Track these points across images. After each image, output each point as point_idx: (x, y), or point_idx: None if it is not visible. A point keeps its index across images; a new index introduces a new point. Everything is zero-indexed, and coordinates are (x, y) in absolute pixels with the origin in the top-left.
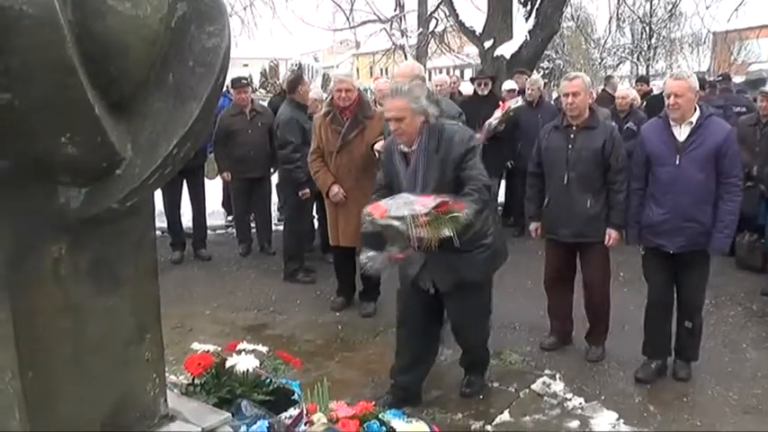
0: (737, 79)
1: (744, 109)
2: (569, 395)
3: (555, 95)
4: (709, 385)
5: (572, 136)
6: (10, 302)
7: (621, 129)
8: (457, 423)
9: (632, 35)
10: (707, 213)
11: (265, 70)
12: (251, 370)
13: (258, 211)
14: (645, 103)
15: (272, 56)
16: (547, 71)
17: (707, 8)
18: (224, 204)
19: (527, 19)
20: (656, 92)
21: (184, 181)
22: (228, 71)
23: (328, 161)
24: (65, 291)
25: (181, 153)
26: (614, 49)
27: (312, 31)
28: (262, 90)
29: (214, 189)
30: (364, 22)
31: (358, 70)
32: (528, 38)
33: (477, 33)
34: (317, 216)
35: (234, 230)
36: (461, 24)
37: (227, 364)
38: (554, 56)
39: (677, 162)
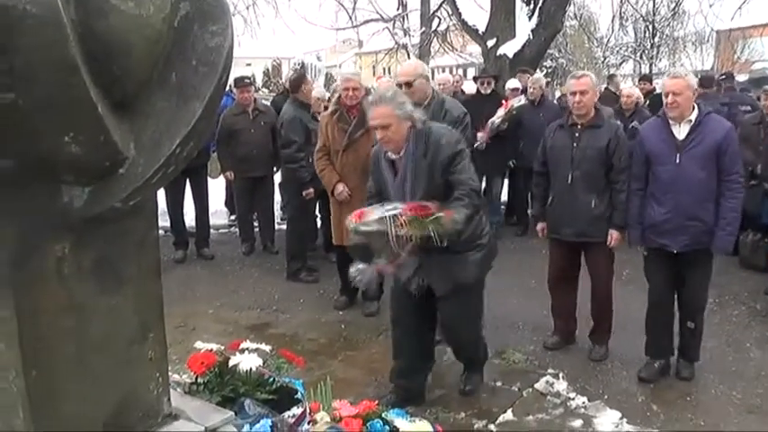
0: (741, 78)
1: (749, 107)
2: (572, 394)
3: (558, 94)
4: (712, 385)
5: (577, 135)
6: (14, 301)
7: (626, 128)
8: (460, 422)
9: (635, 34)
10: (709, 211)
11: (268, 69)
12: (254, 369)
13: (261, 211)
14: (648, 102)
15: (274, 55)
16: (550, 70)
17: (710, 6)
18: (227, 203)
19: (530, 18)
20: (659, 90)
21: (187, 180)
22: (231, 70)
23: (334, 159)
24: (68, 290)
25: (184, 152)
26: (617, 48)
27: (315, 30)
28: (265, 89)
29: (217, 188)
30: (367, 21)
31: (360, 69)
32: (531, 37)
33: (480, 32)
34: (319, 215)
35: (237, 229)
36: (464, 23)
37: (231, 363)
38: (557, 55)
39: (677, 161)
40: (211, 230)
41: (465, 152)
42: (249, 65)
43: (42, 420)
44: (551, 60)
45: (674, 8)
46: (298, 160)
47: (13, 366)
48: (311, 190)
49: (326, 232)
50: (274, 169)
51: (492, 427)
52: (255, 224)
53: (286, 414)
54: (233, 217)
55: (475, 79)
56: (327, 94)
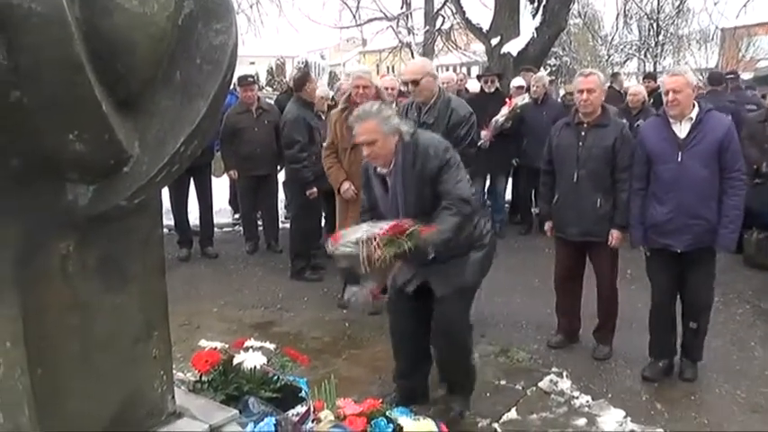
0: (746, 76)
1: (754, 106)
2: (576, 393)
3: (562, 92)
4: (716, 384)
5: (583, 133)
6: (19, 300)
7: (632, 126)
8: (464, 421)
9: (639, 32)
10: (712, 210)
11: (272, 68)
12: (258, 367)
13: (265, 209)
14: (651, 101)
15: (278, 54)
16: (554, 68)
17: (715, 4)
18: (231, 202)
19: (534, 16)
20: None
21: (191, 179)
22: (236, 69)
23: (342, 157)
24: (73, 288)
25: (188, 151)
26: (621, 46)
27: (318, 28)
28: (268, 88)
29: (221, 187)
30: (371, 20)
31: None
32: (535, 35)
33: (483, 31)
34: (324, 213)
35: (241, 228)
36: (468, 22)
37: (235, 362)
38: (561, 53)
39: (679, 159)
40: (215, 229)
41: (453, 160)
42: (253, 63)
43: (47, 418)
44: (555, 59)
45: (679, 6)
46: (300, 160)
47: (19, 364)
48: (315, 189)
49: (330, 231)
50: (278, 168)
51: (496, 425)
52: (259, 223)
53: (290, 412)
54: (237, 215)
55: (479, 78)
56: (331, 93)
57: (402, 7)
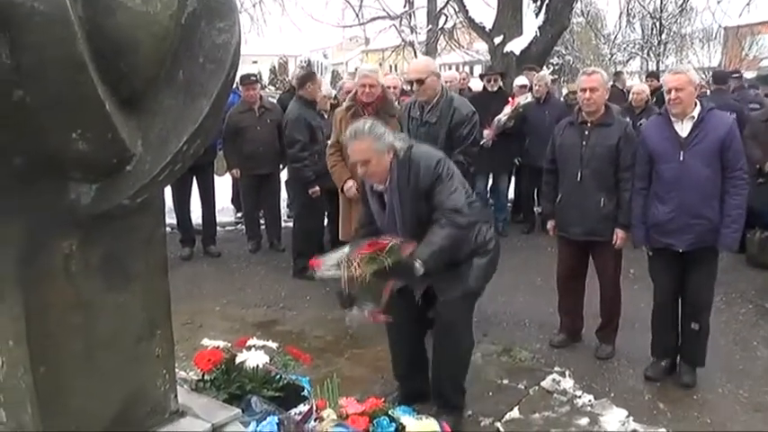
0: (748, 75)
1: (757, 105)
2: (579, 392)
3: (565, 92)
4: (719, 383)
5: (586, 132)
6: (22, 298)
7: (635, 125)
8: (466, 420)
9: (642, 30)
10: (714, 209)
11: (274, 67)
12: (261, 366)
13: (267, 208)
14: (654, 99)
15: (281, 53)
16: (556, 67)
17: (718, 3)
18: (233, 201)
19: (537, 15)
20: None
21: (194, 178)
22: (239, 68)
23: (346, 156)
24: (76, 287)
25: (191, 150)
26: (624, 45)
27: (321, 27)
28: (271, 87)
29: (223, 186)
30: (374, 19)
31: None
32: (538, 34)
33: (486, 29)
34: (327, 212)
35: (243, 227)
36: (471, 20)
37: (237, 360)
38: (564, 52)
39: (681, 158)
40: (218, 228)
41: (446, 172)
42: (256, 62)
43: (50, 417)
44: (558, 57)
45: (682, 5)
46: (301, 159)
47: (22, 363)
48: (317, 188)
49: (333, 229)
50: (280, 167)
51: (498, 424)
52: (262, 222)
53: (293, 411)
54: (239, 214)
55: (481, 77)
56: (334, 92)
57: (405, 6)
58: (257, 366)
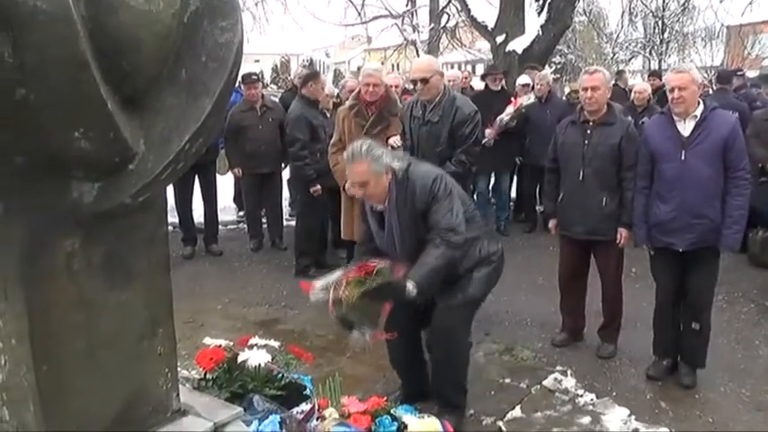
0: (751, 74)
1: (758, 104)
2: (581, 391)
3: (567, 90)
4: (721, 382)
5: (588, 131)
6: (24, 297)
7: (637, 124)
8: (468, 419)
9: (645, 29)
10: (716, 209)
11: (277, 66)
12: (263, 365)
13: (269, 207)
14: (656, 99)
15: (283, 51)
16: (559, 66)
17: (720, 1)
18: (235, 200)
19: (539, 14)
20: None
21: (196, 176)
22: (241, 67)
23: None
24: (78, 285)
25: (193, 148)
26: (626, 44)
27: (323, 26)
28: (273, 86)
29: (225, 184)
30: (376, 18)
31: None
32: (540, 33)
33: (488, 28)
34: (329, 211)
35: (245, 226)
36: (473, 19)
37: (239, 359)
38: (566, 51)
39: (682, 157)
40: (220, 227)
41: (442, 191)
42: (258, 61)
43: (52, 415)
44: (560, 56)
45: (684, 3)
46: (302, 158)
47: (24, 361)
48: (318, 187)
49: (335, 228)
50: (282, 166)
51: (500, 423)
52: (264, 220)
53: (295, 410)
54: (241, 213)
55: (483, 77)
56: (336, 91)
57: (407, 5)
58: (259, 365)
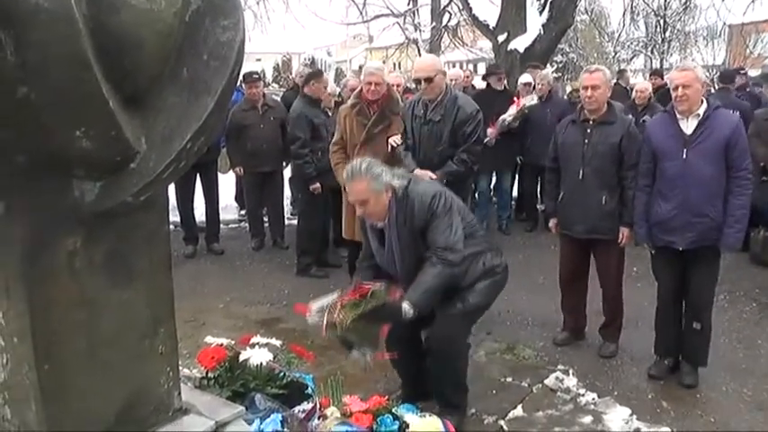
0: (753, 73)
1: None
2: (582, 390)
3: (569, 89)
4: (723, 381)
5: (588, 131)
6: (26, 295)
7: (638, 122)
8: (469, 418)
9: (646, 28)
10: (717, 208)
11: (278, 65)
12: (264, 363)
13: (271, 206)
14: (656, 97)
15: (285, 50)
16: (560, 65)
17: (722, 0)
18: (237, 199)
19: (541, 12)
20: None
21: (197, 175)
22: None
23: (351, 154)
24: (80, 284)
25: (195, 147)
26: (628, 43)
27: (325, 25)
28: (275, 85)
29: (227, 183)
30: (377, 17)
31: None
32: (542, 31)
33: (490, 27)
34: (331, 210)
35: (246, 225)
36: (475, 18)
37: (241, 358)
38: (567, 49)
39: (684, 156)
40: (221, 225)
41: (441, 209)
42: (259, 60)
43: (54, 414)
44: (562, 55)
45: (686, 2)
46: (302, 156)
47: (26, 360)
48: (318, 184)
49: (336, 227)
50: (284, 164)
51: (501, 422)
52: (265, 219)
53: (296, 409)
54: (243, 212)
55: (485, 77)
56: (338, 89)
57: (409, 4)
58: (261, 364)
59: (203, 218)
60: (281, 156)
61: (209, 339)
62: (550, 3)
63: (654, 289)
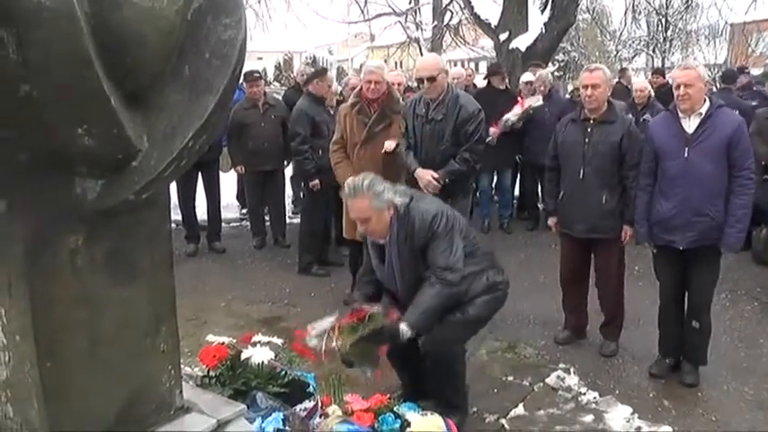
0: (755, 71)
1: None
2: (584, 389)
3: (570, 88)
4: (724, 380)
5: (589, 130)
6: (28, 293)
7: (638, 121)
8: (471, 416)
9: (648, 27)
10: (718, 207)
11: (280, 63)
12: (266, 362)
13: (272, 204)
14: (657, 96)
15: (286, 49)
16: (562, 64)
17: None
18: (238, 197)
19: (542, 11)
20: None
21: (199, 174)
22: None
23: (351, 153)
24: (81, 282)
25: (196, 145)
26: (630, 42)
27: (326, 23)
28: (276, 83)
29: (228, 182)
30: (379, 15)
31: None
32: (543, 30)
33: (492, 26)
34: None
35: (248, 223)
36: (476, 17)
37: (242, 357)
38: (569, 48)
39: (685, 155)
40: (223, 224)
41: (442, 228)
42: (261, 59)
43: (56, 412)
44: (563, 54)
45: (688, 1)
46: (302, 152)
47: (28, 358)
48: (317, 181)
49: (338, 226)
50: (285, 163)
51: (503, 421)
52: (267, 218)
53: (298, 407)
54: (244, 210)
55: (487, 75)
56: (339, 88)
57: (410, 2)
58: (262, 362)
59: (205, 216)
60: (283, 154)
61: (210, 338)
62: (552, 1)
63: (655, 288)
